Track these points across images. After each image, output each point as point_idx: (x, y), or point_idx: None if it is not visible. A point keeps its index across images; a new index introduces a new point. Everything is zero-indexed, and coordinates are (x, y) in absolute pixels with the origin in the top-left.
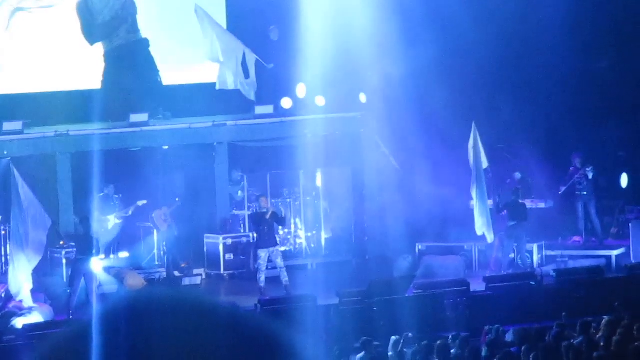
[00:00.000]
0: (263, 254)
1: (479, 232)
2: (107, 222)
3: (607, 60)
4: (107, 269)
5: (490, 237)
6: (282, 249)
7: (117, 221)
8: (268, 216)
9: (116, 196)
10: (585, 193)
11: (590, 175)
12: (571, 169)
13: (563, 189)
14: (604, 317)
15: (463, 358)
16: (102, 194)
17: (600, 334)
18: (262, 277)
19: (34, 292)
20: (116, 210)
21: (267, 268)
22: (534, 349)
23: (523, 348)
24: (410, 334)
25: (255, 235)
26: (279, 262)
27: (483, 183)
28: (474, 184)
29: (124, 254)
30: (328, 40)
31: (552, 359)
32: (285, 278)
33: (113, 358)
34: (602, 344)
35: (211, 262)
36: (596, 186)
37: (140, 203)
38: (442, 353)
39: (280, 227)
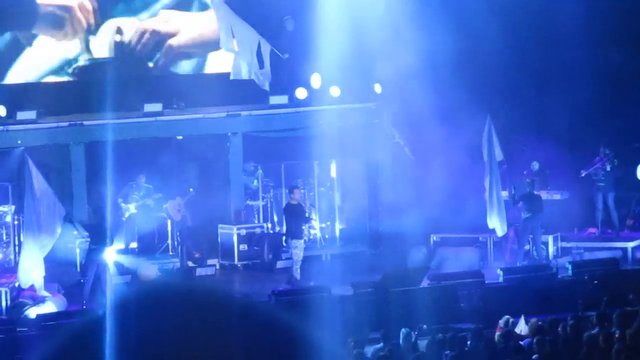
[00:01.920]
0: (299, 243)
1: (490, 225)
2: (126, 211)
3: (622, 54)
4: (121, 259)
5: (500, 231)
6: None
7: (134, 211)
8: (307, 207)
9: (148, 186)
10: (602, 184)
11: (608, 167)
12: (597, 158)
13: (584, 172)
14: (617, 309)
15: (478, 350)
16: (132, 183)
17: (614, 326)
18: (297, 268)
19: (47, 282)
20: (139, 200)
21: (282, 259)
22: (547, 341)
23: (535, 339)
24: (424, 326)
25: (270, 224)
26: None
27: (497, 176)
28: (487, 176)
29: (138, 244)
30: (343, 30)
31: (567, 350)
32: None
33: (126, 348)
34: (617, 336)
35: (225, 253)
36: (616, 178)
37: (156, 196)
38: (456, 345)
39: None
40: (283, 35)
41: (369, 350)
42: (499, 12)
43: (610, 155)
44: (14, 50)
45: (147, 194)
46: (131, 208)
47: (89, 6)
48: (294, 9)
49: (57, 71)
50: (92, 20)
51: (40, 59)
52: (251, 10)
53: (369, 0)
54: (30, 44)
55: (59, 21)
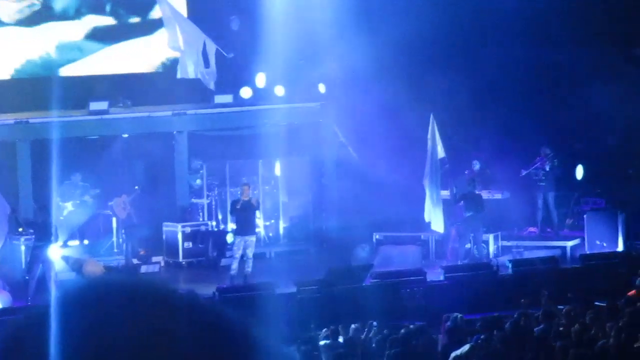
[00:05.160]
0: (238, 240)
1: (432, 226)
2: (63, 210)
3: (562, 53)
4: (66, 256)
5: (440, 229)
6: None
7: (72, 209)
8: (254, 203)
9: (82, 184)
10: (543, 184)
11: (548, 167)
12: (537, 158)
13: (524, 172)
14: (562, 307)
15: (420, 347)
16: (68, 182)
17: (562, 323)
18: (234, 265)
19: None
20: (75, 198)
21: (226, 256)
22: (498, 336)
23: (486, 336)
24: (375, 323)
25: (214, 222)
26: (249, 251)
27: (437, 175)
28: (427, 175)
29: (83, 242)
30: (288, 30)
31: (513, 346)
32: (249, 268)
33: (71, 345)
34: (562, 333)
35: (170, 250)
36: (556, 178)
37: (92, 192)
38: (401, 342)
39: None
40: (228, 35)
41: (318, 346)
42: (440, 11)
43: (550, 155)
44: None
45: (84, 192)
46: (68, 206)
47: None
48: (239, 9)
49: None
50: None
51: None
52: (197, 10)
53: (314, 0)
54: None
55: None
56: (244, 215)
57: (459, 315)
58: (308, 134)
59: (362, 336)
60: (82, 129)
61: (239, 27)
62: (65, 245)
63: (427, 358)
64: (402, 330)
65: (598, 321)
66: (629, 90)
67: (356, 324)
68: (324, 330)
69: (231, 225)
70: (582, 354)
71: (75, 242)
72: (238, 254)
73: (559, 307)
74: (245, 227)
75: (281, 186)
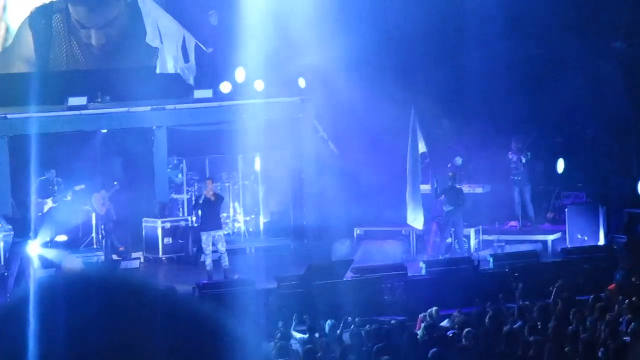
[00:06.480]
0: (204, 237)
1: (409, 220)
2: (43, 205)
3: (544, 46)
4: (45, 252)
5: (418, 225)
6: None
7: (53, 205)
8: (213, 198)
9: (57, 179)
10: (519, 178)
11: (524, 160)
12: (510, 153)
13: (514, 157)
14: (539, 301)
15: (400, 342)
16: (42, 178)
17: (535, 317)
18: (207, 261)
19: None
20: (55, 194)
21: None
22: (472, 333)
23: (465, 331)
24: (349, 318)
25: (194, 218)
26: (220, 246)
27: (417, 170)
28: (408, 170)
29: (62, 238)
30: (267, 24)
31: (490, 342)
32: (225, 262)
33: (50, 341)
34: (539, 327)
35: (149, 246)
36: (531, 172)
37: (78, 188)
38: (378, 337)
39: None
40: (207, 29)
41: (295, 342)
42: (421, 5)
43: (521, 147)
44: None
45: (62, 188)
46: (49, 202)
47: None
48: (219, 3)
49: None
50: None
51: None
52: (176, 4)
53: None
54: None
55: None
56: (208, 211)
57: (434, 309)
58: (288, 128)
59: (338, 331)
60: (61, 125)
61: (218, 22)
62: (45, 243)
63: (407, 353)
64: (381, 326)
65: (578, 314)
66: (609, 83)
67: (332, 320)
68: (300, 325)
69: None
70: (558, 349)
71: (58, 238)
72: (208, 250)
73: (543, 301)
74: (210, 222)
75: (261, 181)
